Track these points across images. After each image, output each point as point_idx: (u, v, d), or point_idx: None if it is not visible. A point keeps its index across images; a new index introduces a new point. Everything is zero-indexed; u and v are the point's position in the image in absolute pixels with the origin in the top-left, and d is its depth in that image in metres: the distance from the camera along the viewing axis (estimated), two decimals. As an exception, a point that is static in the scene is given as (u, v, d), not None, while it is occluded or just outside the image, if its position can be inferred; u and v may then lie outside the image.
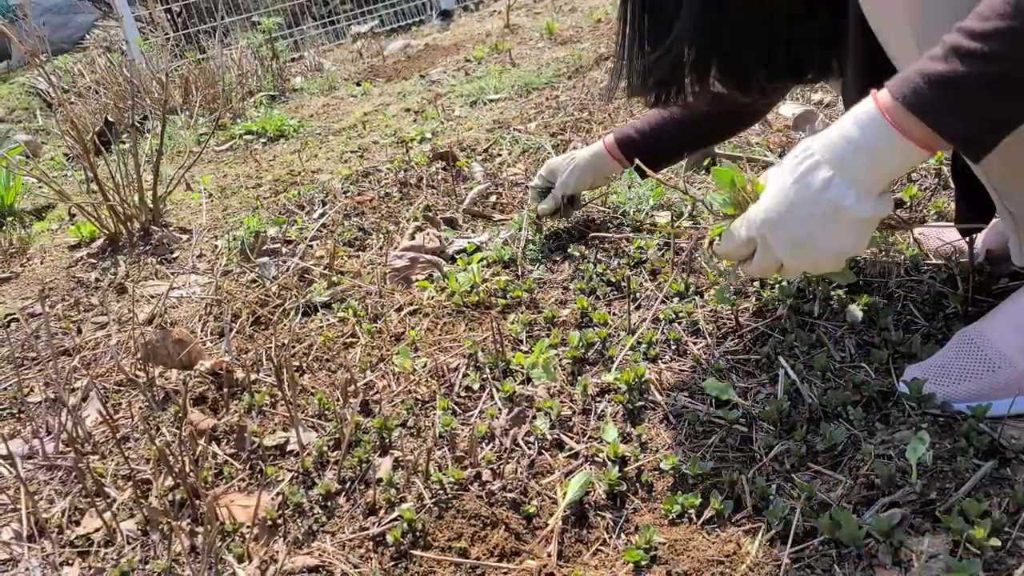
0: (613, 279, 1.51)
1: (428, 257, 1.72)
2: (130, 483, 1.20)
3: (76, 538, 1.12)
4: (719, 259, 1.07)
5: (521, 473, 1.10)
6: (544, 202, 1.70)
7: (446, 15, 5.18)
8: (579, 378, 1.25)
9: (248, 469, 1.21)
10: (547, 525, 1.02)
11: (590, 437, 1.15)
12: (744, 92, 1.16)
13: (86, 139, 2.17)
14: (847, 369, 1.16)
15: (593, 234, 1.68)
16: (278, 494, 1.13)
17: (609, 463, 1.08)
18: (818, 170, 0.88)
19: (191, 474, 1.17)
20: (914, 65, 0.82)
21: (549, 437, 1.15)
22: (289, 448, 1.23)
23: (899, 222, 1.40)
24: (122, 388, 1.46)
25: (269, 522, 1.09)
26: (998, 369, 1.00)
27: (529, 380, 1.28)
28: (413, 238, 1.80)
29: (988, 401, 1.01)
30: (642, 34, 1.14)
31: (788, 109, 2.11)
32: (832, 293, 1.32)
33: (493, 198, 1.98)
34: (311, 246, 1.89)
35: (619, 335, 1.35)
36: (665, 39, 1.10)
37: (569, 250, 1.64)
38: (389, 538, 1.01)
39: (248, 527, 1.08)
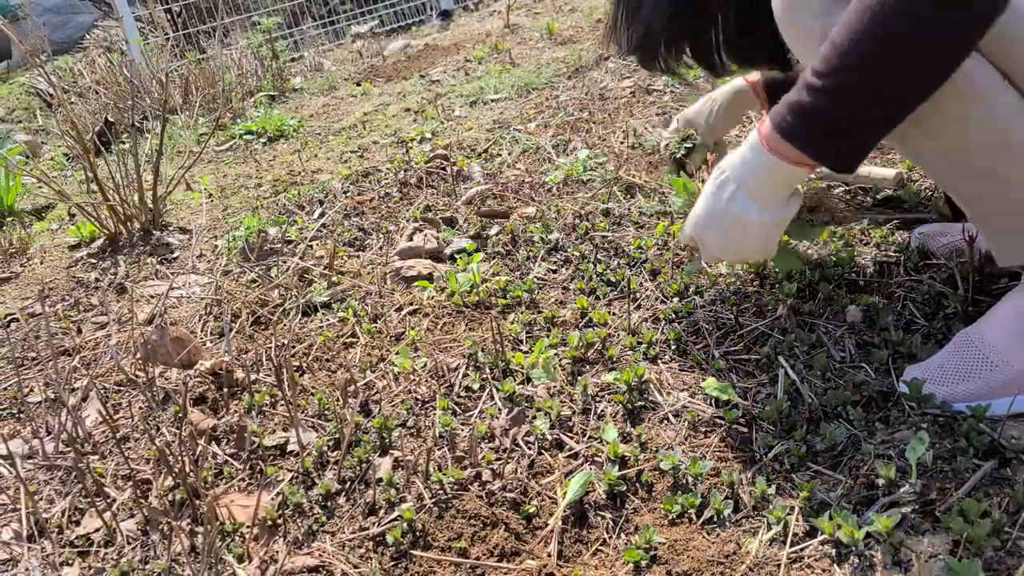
0: (613, 279, 1.51)
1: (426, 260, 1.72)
2: (130, 483, 1.20)
3: (76, 538, 1.13)
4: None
5: (521, 473, 1.10)
6: (694, 154, 1.63)
7: (446, 15, 5.18)
8: (579, 378, 1.25)
9: (248, 469, 1.21)
10: (547, 525, 1.02)
11: (590, 437, 1.15)
12: (713, 74, 1.33)
13: (86, 139, 2.17)
14: (847, 369, 1.16)
15: (593, 234, 1.68)
16: (278, 494, 1.13)
17: (609, 463, 1.08)
18: (727, 186, 1.06)
19: (191, 474, 1.17)
20: (787, 94, 0.95)
21: (549, 437, 1.15)
22: (289, 448, 1.23)
23: (841, 213, 1.49)
24: (122, 388, 1.46)
25: (269, 522, 1.09)
26: (996, 368, 1.01)
27: (529, 380, 1.28)
28: (411, 239, 1.80)
29: (987, 400, 1.01)
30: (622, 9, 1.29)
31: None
32: (832, 293, 1.32)
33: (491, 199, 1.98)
34: (311, 246, 1.89)
35: (619, 335, 1.35)
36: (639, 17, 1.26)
37: (569, 250, 1.64)
38: (389, 538, 1.01)
39: (248, 527, 1.08)
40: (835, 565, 0.88)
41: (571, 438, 1.15)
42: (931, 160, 1.02)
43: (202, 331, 1.61)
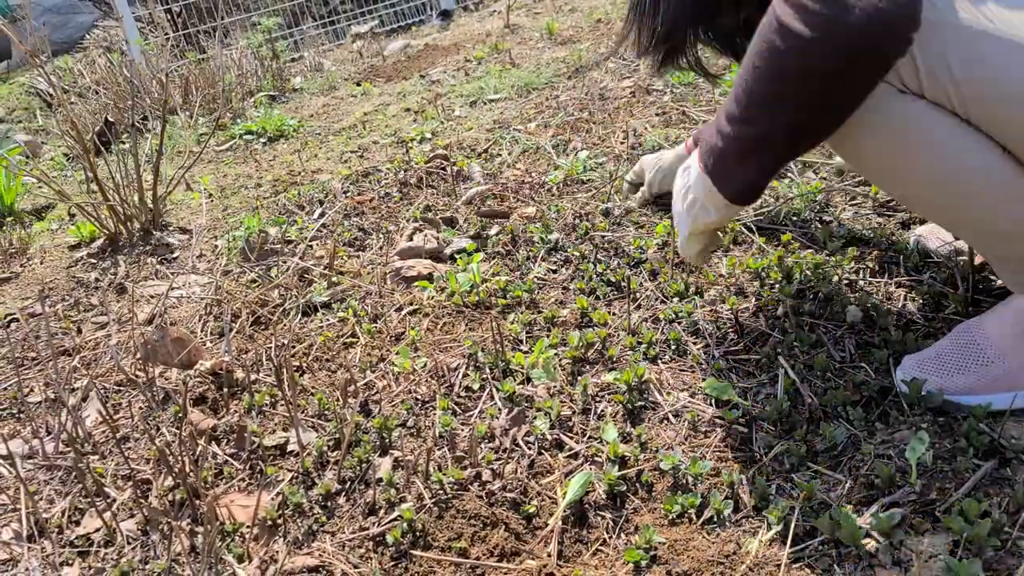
0: (613, 279, 1.51)
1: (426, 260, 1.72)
2: (130, 483, 1.20)
3: (76, 538, 1.13)
4: None
5: (521, 473, 1.10)
6: (634, 198, 1.79)
7: (446, 15, 5.18)
8: (579, 378, 1.25)
9: (248, 469, 1.21)
10: (547, 525, 1.02)
11: (590, 437, 1.15)
12: (737, 60, 1.30)
13: (86, 139, 2.17)
14: (847, 369, 1.16)
15: (593, 234, 1.68)
16: (278, 494, 1.13)
17: (609, 463, 1.08)
18: (688, 197, 1.12)
19: (191, 474, 1.17)
20: (710, 128, 1.04)
21: (549, 437, 1.15)
22: (289, 448, 1.23)
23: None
24: (122, 388, 1.46)
25: (269, 522, 1.09)
26: (992, 363, 1.02)
27: (529, 380, 1.28)
28: (411, 239, 1.80)
29: (980, 394, 1.02)
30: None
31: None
32: (832, 293, 1.32)
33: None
34: (311, 246, 1.89)
35: (619, 335, 1.35)
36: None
37: (569, 250, 1.64)
38: (389, 538, 1.01)
39: (248, 527, 1.08)
40: (835, 565, 0.88)
41: (571, 438, 1.15)
42: (926, 214, 1.09)
43: (202, 331, 1.61)
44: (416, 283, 1.64)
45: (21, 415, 1.45)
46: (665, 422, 1.15)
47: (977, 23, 0.87)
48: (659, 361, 1.28)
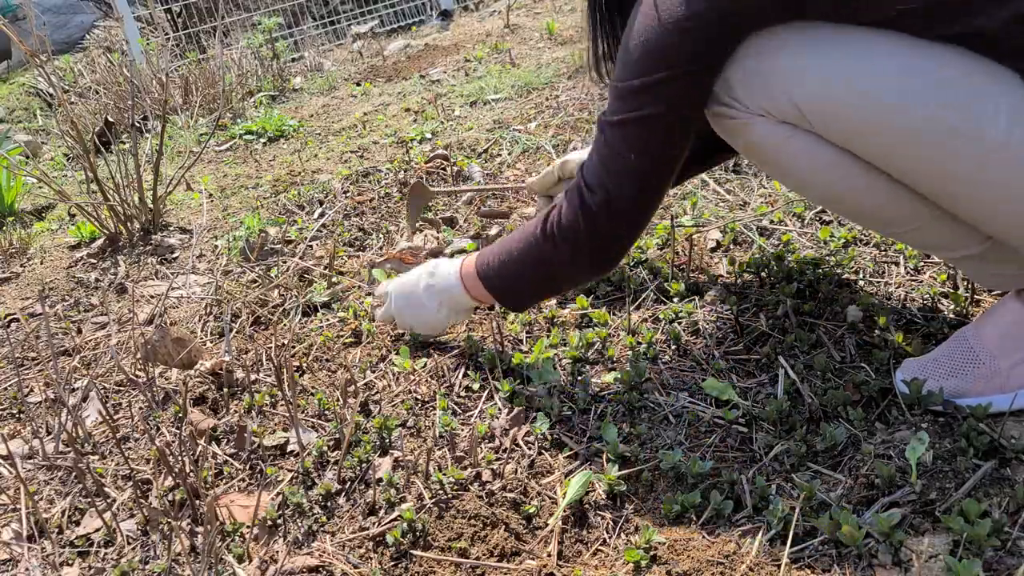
0: (613, 279, 1.51)
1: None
2: (130, 483, 1.20)
3: (76, 538, 1.13)
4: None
5: (521, 473, 1.10)
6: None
7: (446, 15, 5.17)
8: (579, 378, 1.25)
9: (248, 469, 1.21)
10: (547, 525, 1.02)
11: (590, 437, 1.15)
12: None
13: (86, 139, 2.17)
14: (847, 369, 1.16)
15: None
16: (278, 494, 1.13)
17: (609, 463, 1.08)
18: (431, 292, 1.32)
19: (191, 474, 1.17)
20: (487, 258, 1.24)
21: (549, 437, 1.15)
22: (289, 448, 1.23)
23: None
24: (122, 388, 1.46)
25: (269, 522, 1.09)
26: (981, 364, 1.03)
27: (529, 380, 1.28)
28: (411, 239, 1.80)
29: (973, 396, 1.03)
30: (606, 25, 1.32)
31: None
32: (832, 293, 1.32)
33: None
34: (311, 246, 1.89)
35: (619, 335, 1.35)
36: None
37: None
38: (389, 538, 1.01)
39: (248, 527, 1.08)
40: (835, 565, 0.88)
41: (571, 438, 1.15)
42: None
43: (202, 331, 1.61)
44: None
45: (21, 415, 1.45)
46: (665, 422, 1.15)
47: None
48: (659, 361, 1.28)
